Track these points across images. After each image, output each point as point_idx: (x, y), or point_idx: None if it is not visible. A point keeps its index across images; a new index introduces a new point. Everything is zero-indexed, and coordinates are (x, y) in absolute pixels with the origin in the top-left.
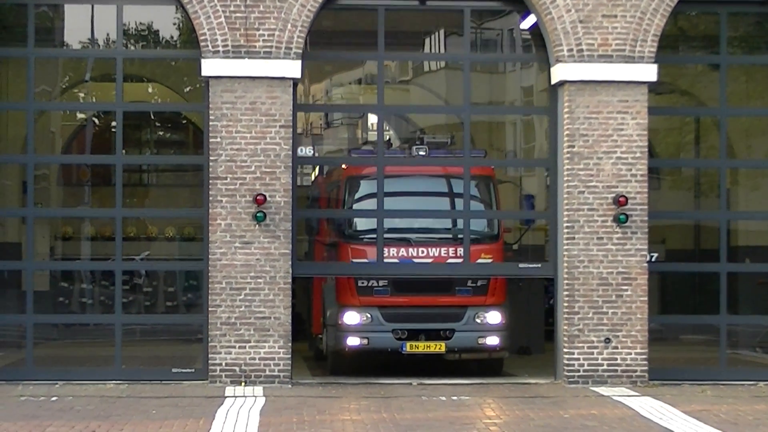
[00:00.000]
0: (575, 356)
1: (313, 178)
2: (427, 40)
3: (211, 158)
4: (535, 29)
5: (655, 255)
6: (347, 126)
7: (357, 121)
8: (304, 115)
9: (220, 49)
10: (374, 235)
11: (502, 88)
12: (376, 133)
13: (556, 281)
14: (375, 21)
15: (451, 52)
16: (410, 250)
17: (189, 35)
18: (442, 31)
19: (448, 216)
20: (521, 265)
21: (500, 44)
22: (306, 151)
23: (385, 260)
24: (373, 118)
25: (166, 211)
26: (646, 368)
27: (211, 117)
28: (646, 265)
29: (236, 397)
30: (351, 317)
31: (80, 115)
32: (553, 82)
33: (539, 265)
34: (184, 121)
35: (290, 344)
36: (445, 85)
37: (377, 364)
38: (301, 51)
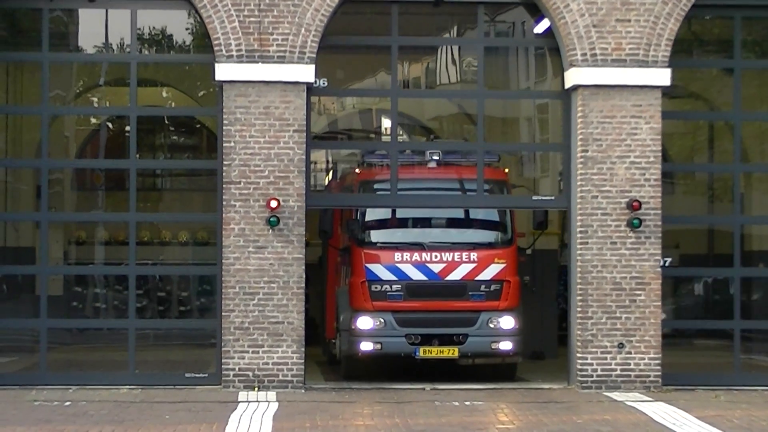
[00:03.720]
0: (588, 361)
1: (326, 182)
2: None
3: (224, 162)
4: (548, 34)
5: (669, 260)
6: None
7: (371, 112)
8: (318, 99)
9: (234, 53)
10: (387, 242)
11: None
12: (389, 130)
13: (569, 260)
14: (388, 26)
15: (465, 58)
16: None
17: (203, 39)
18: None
19: (462, 222)
20: (535, 197)
21: (514, 52)
22: (321, 82)
23: (398, 265)
24: (386, 122)
25: (179, 216)
26: (659, 373)
27: (224, 121)
28: (659, 269)
29: (249, 402)
30: (364, 322)
31: (94, 120)
32: (566, 86)
33: (552, 197)
34: (198, 126)
35: (303, 349)
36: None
37: (390, 369)
38: (314, 55)
